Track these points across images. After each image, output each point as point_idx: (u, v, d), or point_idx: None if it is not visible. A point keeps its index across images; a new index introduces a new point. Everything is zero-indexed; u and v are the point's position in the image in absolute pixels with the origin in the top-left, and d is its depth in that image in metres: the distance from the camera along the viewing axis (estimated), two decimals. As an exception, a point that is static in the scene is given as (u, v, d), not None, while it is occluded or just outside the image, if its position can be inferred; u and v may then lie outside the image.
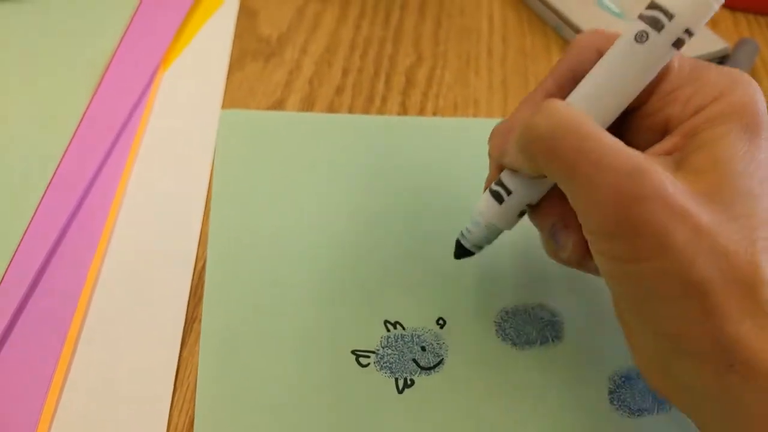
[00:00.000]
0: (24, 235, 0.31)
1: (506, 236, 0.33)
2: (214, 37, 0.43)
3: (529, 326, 0.31)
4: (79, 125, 0.36)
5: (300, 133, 0.38)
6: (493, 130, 0.27)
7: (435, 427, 0.28)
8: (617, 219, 0.22)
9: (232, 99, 0.40)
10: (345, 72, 0.43)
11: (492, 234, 0.28)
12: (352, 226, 0.34)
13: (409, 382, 0.29)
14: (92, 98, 0.37)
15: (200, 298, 0.31)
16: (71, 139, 0.35)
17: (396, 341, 0.30)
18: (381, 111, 0.41)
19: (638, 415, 0.29)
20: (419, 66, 0.44)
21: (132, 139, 0.36)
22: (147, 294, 0.30)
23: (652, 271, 0.22)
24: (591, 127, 0.22)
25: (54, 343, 0.28)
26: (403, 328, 0.30)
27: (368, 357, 0.29)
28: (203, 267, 0.32)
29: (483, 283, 0.32)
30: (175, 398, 0.28)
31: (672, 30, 0.23)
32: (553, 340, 0.30)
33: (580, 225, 0.24)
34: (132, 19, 0.43)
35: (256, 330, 0.30)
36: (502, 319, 0.31)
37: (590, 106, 0.24)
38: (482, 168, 0.29)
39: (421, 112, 0.41)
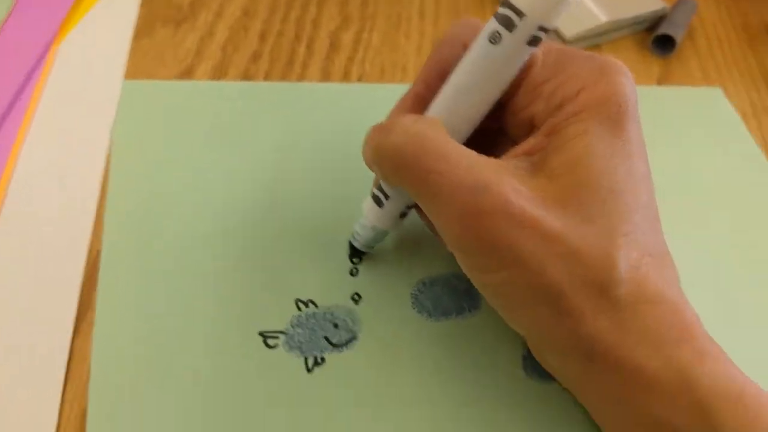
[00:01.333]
0: None
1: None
2: (118, 2, 0.40)
3: (445, 297, 0.30)
4: None
5: (207, 105, 0.36)
6: (365, 137, 0.26)
7: (345, 403, 0.26)
8: (465, 235, 0.22)
9: (137, 68, 0.37)
10: (263, 37, 0.41)
11: (379, 235, 0.28)
12: (262, 202, 0.32)
13: (319, 360, 0.27)
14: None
15: (95, 284, 0.29)
16: None
17: (307, 320, 0.28)
18: (301, 78, 0.39)
19: (550, 381, 0.28)
20: (345, 29, 0.42)
21: (23, 113, 0.34)
22: (37, 279, 0.28)
23: (505, 281, 0.22)
24: (438, 143, 0.22)
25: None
26: (316, 306, 0.29)
27: (276, 338, 0.28)
28: (98, 252, 0.30)
29: (400, 255, 0.31)
30: (67, 390, 0.26)
31: (524, 29, 0.22)
32: (470, 310, 0.29)
33: None
34: None
35: (156, 313, 0.28)
36: (418, 291, 0.30)
37: (450, 111, 0.24)
38: None
39: (345, 78, 0.39)
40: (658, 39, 0.43)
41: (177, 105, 0.36)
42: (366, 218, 0.28)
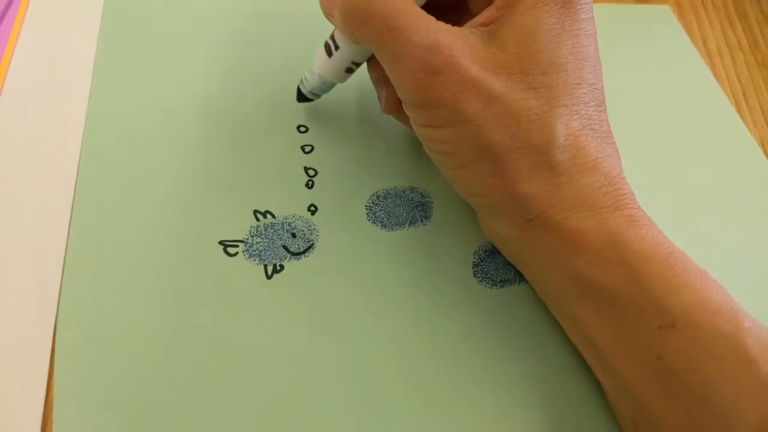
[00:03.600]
0: None
1: (379, 124, 0.33)
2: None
3: (399, 208, 0.31)
4: None
5: (197, 11, 0.37)
6: None
7: (304, 307, 0.28)
8: (418, 90, 0.24)
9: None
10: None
11: (325, 85, 0.30)
12: (229, 113, 0.33)
13: (278, 268, 0.29)
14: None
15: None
16: None
17: (266, 229, 0.30)
18: None
19: (501, 286, 0.29)
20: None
21: (10, 27, 0.35)
22: (27, 200, 0.29)
23: (450, 138, 0.24)
24: (403, 4, 0.24)
25: None
26: (274, 217, 0.30)
27: (236, 246, 0.29)
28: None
29: (355, 169, 0.32)
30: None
31: None
32: (422, 221, 0.30)
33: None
34: None
35: (124, 226, 0.29)
36: (373, 203, 0.31)
37: None
38: None
39: None
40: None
41: (158, 17, 0.37)
42: (315, 66, 0.30)
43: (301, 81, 0.31)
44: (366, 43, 0.25)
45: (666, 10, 0.43)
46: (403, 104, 0.26)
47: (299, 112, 0.34)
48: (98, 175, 0.30)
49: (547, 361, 0.27)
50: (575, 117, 0.23)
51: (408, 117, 0.26)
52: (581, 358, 0.27)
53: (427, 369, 0.27)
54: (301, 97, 0.32)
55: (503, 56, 0.23)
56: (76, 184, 0.30)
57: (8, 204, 0.29)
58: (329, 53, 0.29)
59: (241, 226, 0.30)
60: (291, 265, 0.29)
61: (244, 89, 0.34)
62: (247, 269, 0.29)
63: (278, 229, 0.30)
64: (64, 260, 0.28)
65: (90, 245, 0.28)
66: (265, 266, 0.29)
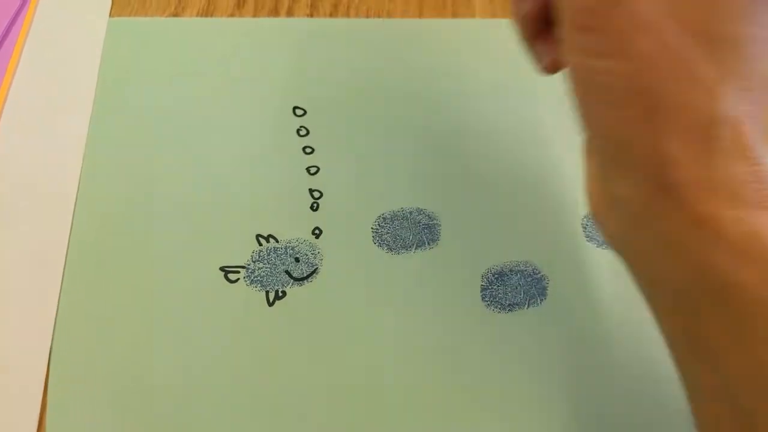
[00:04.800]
0: None
1: (386, 145, 0.32)
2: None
3: (405, 231, 0.30)
4: None
5: (198, 41, 0.37)
6: None
7: (305, 335, 0.27)
8: (598, 11, 0.22)
9: (120, 12, 0.38)
10: (248, -18, 0.41)
11: None
12: (227, 140, 0.33)
13: (280, 294, 0.28)
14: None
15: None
16: None
17: (268, 254, 0.29)
18: (285, 22, 0.39)
19: (509, 310, 0.28)
20: (331, -25, 0.42)
21: (8, 59, 0.34)
22: (26, 223, 0.29)
23: (611, 70, 0.22)
24: None
25: None
26: (277, 241, 0.29)
27: (238, 272, 0.28)
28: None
29: (362, 190, 0.31)
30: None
31: None
32: (429, 244, 0.30)
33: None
34: None
35: (123, 248, 0.29)
36: (379, 225, 0.30)
37: None
38: (392, 69, 0.32)
39: (329, 23, 0.39)
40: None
41: (165, 42, 0.36)
42: None
43: None
44: None
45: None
46: (567, 30, 0.24)
47: (305, 133, 0.33)
48: (98, 200, 0.30)
49: (557, 386, 0.26)
50: (749, 101, 0.21)
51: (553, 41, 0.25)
52: (590, 383, 0.26)
53: (434, 395, 0.26)
54: None
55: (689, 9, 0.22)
56: (74, 210, 0.30)
57: (8, 231, 0.29)
58: None
59: (243, 251, 0.29)
60: (293, 291, 0.28)
61: (248, 110, 0.34)
62: (248, 296, 0.28)
63: (281, 254, 0.29)
64: (62, 284, 0.28)
65: (89, 270, 0.28)
66: (267, 293, 0.28)
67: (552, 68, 0.27)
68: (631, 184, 0.22)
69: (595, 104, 0.23)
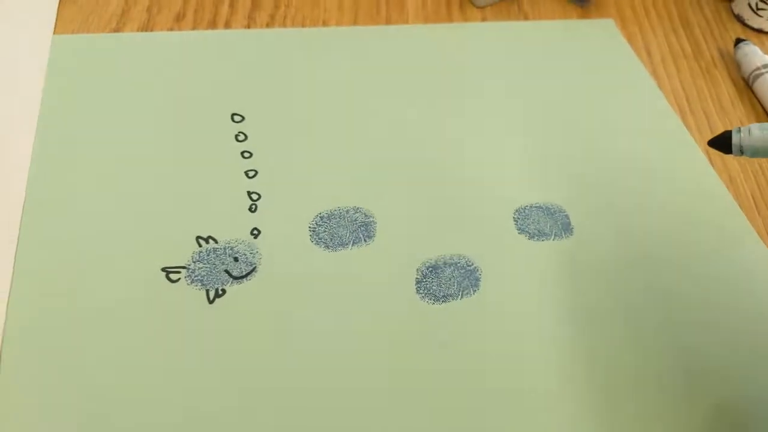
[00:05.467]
0: None
1: (323, 146, 0.33)
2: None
3: (342, 229, 0.31)
4: None
5: (138, 54, 0.37)
6: None
7: (245, 330, 0.28)
8: None
9: (64, 32, 0.38)
10: (186, -3, 0.42)
11: (764, 151, 0.27)
12: (173, 145, 0.33)
13: (220, 292, 0.29)
14: None
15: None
16: None
17: (208, 255, 0.30)
18: (222, 34, 0.40)
19: (444, 301, 0.29)
20: (267, -13, 0.43)
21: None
22: None
23: None
24: None
25: None
26: (216, 242, 0.30)
27: (179, 272, 0.29)
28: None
29: (299, 190, 0.32)
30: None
31: None
32: (365, 240, 0.30)
33: None
34: None
35: (69, 250, 0.29)
36: (316, 224, 0.31)
37: None
38: (325, 75, 0.33)
39: (266, 33, 0.40)
40: (574, -12, 0.44)
41: (108, 57, 0.37)
42: None
43: (738, 130, 0.27)
44: None
45: (610, 23, 0.44)
46: None
47: (243, 138, 0.34)
48: (43, 206, 0.30)
49: (487, 375, 0.27)
50: None
51: None
52: (522, 371, 0.27)
53: (370, 387, 0.27)
54: (721, 144, 0.27)
55: None
56: (21, 216, 0.30)
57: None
58: None
59: (183, 252, 0.30)
60: (233, 289, 0.29)
61: (189, 117, 0.34)
62: (189, 294, 0.28)
63: (220, 254, 0.30)
64: (11, 282, 0.28)
65: (35, 272, 0.28)
66: (207, 291, 0.29)
67: None
68: None
69: None
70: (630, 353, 0.28)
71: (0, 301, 0.27)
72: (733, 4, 0.46)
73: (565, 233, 0.32)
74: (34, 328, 0.27)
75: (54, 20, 0.39)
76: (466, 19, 0.42)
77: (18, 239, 0.29)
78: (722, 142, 0.27)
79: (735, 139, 0.27)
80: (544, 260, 0.31)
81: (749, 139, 0.26)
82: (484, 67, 0.39)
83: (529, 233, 0.32)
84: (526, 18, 0.43)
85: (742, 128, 0.27)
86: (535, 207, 0.33)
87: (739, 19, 0.45)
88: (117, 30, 0.39)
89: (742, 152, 0.27)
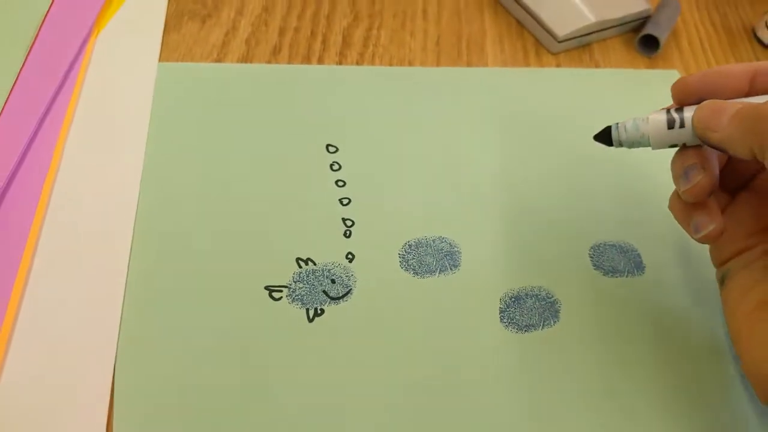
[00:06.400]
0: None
1: (410, 179, 0.35)
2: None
3: (429, 257, 0.33)
4: (10, 94, 0.37)
5: (240, 84, 0.40)
6: (705, 104, 0.28)
7: (343, 349, 0.30)
8: None
9: (168, 61, 0.42)
10: (282, 32, 0.45)
11: (636, 143, 0.30)
12: (273, 172, 0.36)
13: (319, 312, 0.31)
14: (23, 65, 0.39)
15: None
16: (3, 106, 0.37)
17: (307, 276, 0.32)
18: (315, 70, 0.43)
19: (526, 331, 0.31)
20: (356, 26, 0.46)
21: (67, 104, 0.38)
22: (85, 267, 0.32)
23: None
24: None
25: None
26: (315, 264, 0.33)
27: (281, 291, 0.32)
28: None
29: (389, 219, 0.35)
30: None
31: None
32: (451, 269, 0.33)
33: (714, 173, 0.28)
34: None
35: (179, 273, 0.32)
36: (405, 251, 0.33)
37: None
38: (413, 110, 0.36)
39: (354, 70, 0.43)
40: (643, 39, 0.46)
41: (211, 86, 0.40)
42: (645, 123, 0.29)
43: (616, 126, 0.30)
44: (765, 159, 0.25)
45: (674, 73, 0.46)
46: None
47: (337, 167, 0.37)
48: (153, 232, 0.33)
49: (569, 403, 0.29)
50: None
51: (708, 210, 0.28)
52: (605, 403, 0.29)
53: (457, 410, 0.29)
54: (602, 138, 0.31)
55: None
56: (132, 238, 0.33)
57: (74, 236, 0.32)
58: (670, 126, 0.29)
59: (285, 273, 0.32)
60: (331, 310, 0.31)
61: (286, 147, 0.38)
62: (290, 313, 0.31)
63: (318, 276, 0.32)
64: (122, 308, 0.31)
65: (147, 292, 0.31)
66: (307, 310, 0.31)
67: (715, 237, 0.29)
68: None
69: None
70: (712, 390, 0.30)
71: (113, 318, 0.30)
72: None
73: (637, 271, 0.34)
74: (149, 341, 0.30)
75: (159, 48, 0.42)
76: (541, 65, 0.45)
77: (129, 261, 0.32)
78: (604, 137, 0.31)
79: (614, 134, 0.30)
80: (618, 296, 0.33)
81: (625, 134, 0.30)
82: (558, 110, 0.42)
83: (604, 269, 0.34)
84: (597, 65, 0.46)
85: (619, 123, 0.30)
86: (609, 245, 0.35)
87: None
88: (218, 60, 0.42)
89: (621, 145, 0.30)
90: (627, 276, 0.34)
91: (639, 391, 0.30)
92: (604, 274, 0.34)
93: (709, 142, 0.27)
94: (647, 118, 0.29)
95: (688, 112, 0.28)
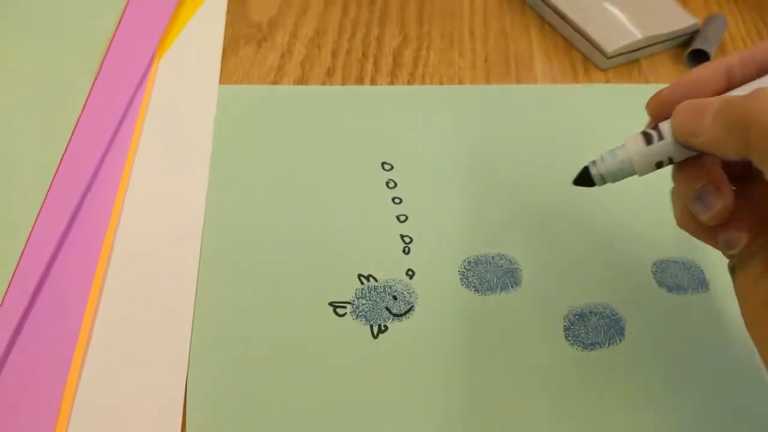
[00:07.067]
0: (32, 228, 0.33)
1: (466, 196, 0.36)
2: (206, 24, 0.46)
3: (489, 274, 0.34)
4: (80, 117, 0.38)
5: (297, 105, 0.41)
6: (681, 106, 0.25)
7: (408, 365, 0.31)
8: None
9: (227, 83, 0.43)
10: (334, 54, 0.46)
11: (621, 173, 0.28)
12: (332, 191, 0.37)
13: (383, 328, 0.32)
14: (92, 88, 0.40)
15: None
16: (73, 130, 0.38)
17: (370, 292, 0.33)
18: (368, 90, 0.44)
19: (591, 349, 0.31)
20: (405, 47, 0.47)
21: (133, 126, 0.39)
22: (155, 285, 0.33)
23: None
24: None
25: (64, 349, 0.30)
26: (376, 280, 0.33)
27: (345, 307, 0.32)
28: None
29: (447, 235, 0.35)
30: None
31: None
32: (512, 286, 0.33)
33: (730, 190, 0.25)
34: (126, 8, 0.45)
35: (244, 289, 0.33)
36: (465, 268, 0.34)
37: None
38: (465, 128, 0.37)
39: (407, 91, 0.44)
40: (692, 54, 0.46)
41: (270, 106, 0.41)
42: (623, 149, 0.27)
43: (593, 163, 0.28)
44: (753, 156, 0.22)
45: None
46: None
47: (393, 185, 0.37)
48: (220, 251, 0.34)
49: (638, 422, 0.29)
50: None
51: (726, 236, 0.26)
52: (672, 421, 0.28)
53: (521, 429, 0.29)
54: (584, 180, 0.29)
55: None
56: (200, 257, 0.34)
57: (144, 256, 0.33)
58: (648, 141, 0.26)
59: (348, 289, 0.33)
60: (394, 326, 0.32)
61: (343, 165, 0.38)
62: (355, 329, 0.32)
63: (381, 292, 0.33)
64: (193, 321, 0.32)
65: (216, 312, 0.32)
66: (371, 326, 0.32)
67: (716, 221, 0.26)
68: None
69: None
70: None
71: (184, 337, 0.31)
72: None
73: (701, 288, 0.34)
74: (215, 359, 0.30)
75: (219, 71, 0.43)
76: (590, 80, 0.45)
77: (197, 284, 0.33)
78: (584, 179, 0.29)
79: (593, 171, 0.28)
80: (685, 313, 0.33)
81: (604, 166, 0.28)
82: (610, 126, 0.42)
83: (668, 286, 0.34)
84: (646, 81, 0.46)
85: (596, 160, 0.28)
86: (672, 261, 0.35)
87: None
88: (275, 82, 0.43)
89: (605, 181, 0.28)
90: (691, 293, 0.34)
91: (704, 409, 0.30)
92: (668, 291, 0.34)
93: (694, 148, 0.25)
94: (623, 144, 0.28)
95: (666, 125, 0.26)
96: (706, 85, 0.26)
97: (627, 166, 0.27)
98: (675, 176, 0.28)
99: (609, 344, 0.31)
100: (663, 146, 0.26)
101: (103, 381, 0.29)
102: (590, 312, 0.32)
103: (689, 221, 0.27)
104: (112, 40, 0.43)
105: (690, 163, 0.27)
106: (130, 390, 0.29)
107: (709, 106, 0.24)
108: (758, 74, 0.26)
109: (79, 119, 0.38)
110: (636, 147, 0.27)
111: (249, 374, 0.30)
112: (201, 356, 0.30)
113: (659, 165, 0.27)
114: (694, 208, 0.26)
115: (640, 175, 0.27)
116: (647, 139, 0.26)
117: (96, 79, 0.41)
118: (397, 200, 0.37)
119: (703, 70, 0.26)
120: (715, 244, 0.27)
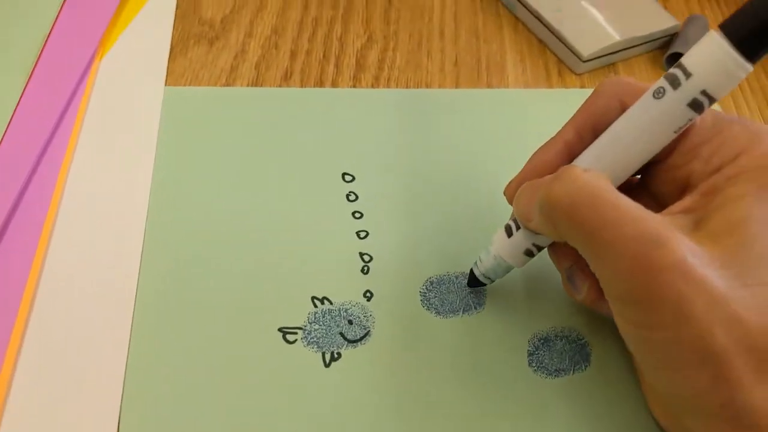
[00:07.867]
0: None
1: (431, 211, 0.33)
2: (153, 20, 0.43)
3: (452, 295, 0.31)
4: (13, 115, 0.36)
5: (251, 108, 0.39)
6: (519, 190, 0.27)
7: (361, 396, 0.28)
8: (636, 288, 0.22)
9: (175, 85, 0.40)
10: (293, 55, 0.43)
11: (500, 268, 0.29)
12: (280, 206, 0.34)
13: (335, 356, 0.29)
14: (25, 88, 0.37)
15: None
16: (6, 129, 0.35)
17: (323, 316, 0.30)
18: (329, 94, 0.41)
19: (556, 376, 0.29)
20: (370, 48, 0.45)
21: (71, 129, 0.36)
22: (90, 309, 0.30)
23: (669, 340, 0.22)
24: (609, 194, 0.22)
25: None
26: (331, 303, 0.31)
27: (295, 333, 0.30)
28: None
29: (409, 254, 0.33)
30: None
31: (688, 89, 0.22)
32: (475, 308, 0.31)
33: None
34: (64, 1, 0.43)
35: (185, 310, 0.30)
36: (427, 289, 0.32)
37: (605, 162, 0.25)
38: (432, 136, 0.36)
39: (370, 94, 0.41)
40: (671, 57, 0.44)
41: (220, 110, 0.39)
42: (493, 246, 0.29)
43: (475, 263, 0.30)
44: (573, 240, 0.23)
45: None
46: (612, 303, 0.24)
47: (354, 198, 0.35)
48: (160, 264, 0.32)
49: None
50: None
51: (607, 309, 0.25)
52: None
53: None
54: (474, 281, 0.31)
55: (717, 249, 0.22)
56: (139, 272, 0.31)
57: (79, 268, 0.31)
58: (509, 234, 0.28)
59: (299, 313, 0.31)
60: (348, 353, 0.30)
61: (299, 176, 0.36)
62: (305, 357, 0.29)
63: (335, 316, 0.31)
64: (129, 343, 0.29)
65: (153, 336, 0.29)
66: (323, 354, 0.29)
67: (589, 302, 0.27)
68: (706, 425, 0.23)
69: (657, 369, 0.24)
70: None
71: (119, 359, 0.29)
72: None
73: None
74: (153, 387, 0.28)
75: (165, 72, 0.41)
76: (564, 85, 0.43)
77: (134, 303, 0.30)
78: (474, 280, 0.30)
79: (476, 272, 0.30)
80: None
81: (483, 266, 0.29)
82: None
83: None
84: (622, 84, 0.44)
85: (476, 260, 0.30)
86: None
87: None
88: (227, 85, 0.41)
89: (491, 279, 0.30)
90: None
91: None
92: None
93: (535, 233, 0.26)
94: (493, 239, 0.29)
95: None
96: (551, 165, 0.27)
97: (501, 261, 0.28)
98: (549, 253, 0.28)
99: (574, 371, 0.29)
100: (521, 235, 0.27)
101: (35, 393, 0.28)
102: (556, 336, 0.30)
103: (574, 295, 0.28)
104: (48, 37, 0.40)
105: (557, 245, 0.27)
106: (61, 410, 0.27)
107: (541, 187, 0.24)
108: (594, 135, 0.26)
109: (10, 120, 0.36)
110: (501, 242, 0.28)
111: (187, 405, 0.28)
112: (135, 387, 0.28)
113: (529, 254, 0.28)
114: (566, 288, 0.28)
115: (519, 267, 0.29)
116: (508, 232, 0.28)
117: (30, 78, 0.38)
118: (357, 215, 0.34)
119: (544, 151, 0.27)
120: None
